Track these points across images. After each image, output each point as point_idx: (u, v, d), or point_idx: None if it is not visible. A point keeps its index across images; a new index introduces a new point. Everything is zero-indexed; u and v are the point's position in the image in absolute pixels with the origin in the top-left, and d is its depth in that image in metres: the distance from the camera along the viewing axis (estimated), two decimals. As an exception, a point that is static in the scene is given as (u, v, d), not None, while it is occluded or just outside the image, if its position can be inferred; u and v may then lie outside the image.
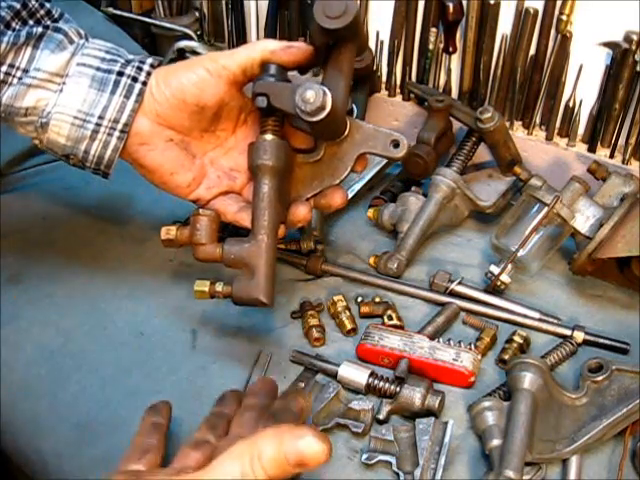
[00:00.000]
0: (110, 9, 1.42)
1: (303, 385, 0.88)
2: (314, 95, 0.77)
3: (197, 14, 1.41)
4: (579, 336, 0.93)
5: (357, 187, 1.15)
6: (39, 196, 1.15)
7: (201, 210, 0.86)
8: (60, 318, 0.97)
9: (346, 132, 0.86)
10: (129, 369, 0.91)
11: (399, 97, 1.23)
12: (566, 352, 0.92)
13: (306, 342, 0.94)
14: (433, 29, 1.13)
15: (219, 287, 0.85)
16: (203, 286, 0.86)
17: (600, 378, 0.84)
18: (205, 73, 0.84)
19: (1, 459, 0.88)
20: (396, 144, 0.86)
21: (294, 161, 0.88)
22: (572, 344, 0.92)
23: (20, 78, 0.83)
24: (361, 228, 1.13)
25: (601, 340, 0.93)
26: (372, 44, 1.19)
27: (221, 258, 0.84)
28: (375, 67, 1.20)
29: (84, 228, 1.10)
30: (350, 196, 1.14)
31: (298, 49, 0.84)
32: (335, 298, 0.97)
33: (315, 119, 0.78)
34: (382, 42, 1.19)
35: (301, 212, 0.88)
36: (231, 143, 0.92)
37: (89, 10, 1.42)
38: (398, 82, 1.22)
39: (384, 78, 1.23)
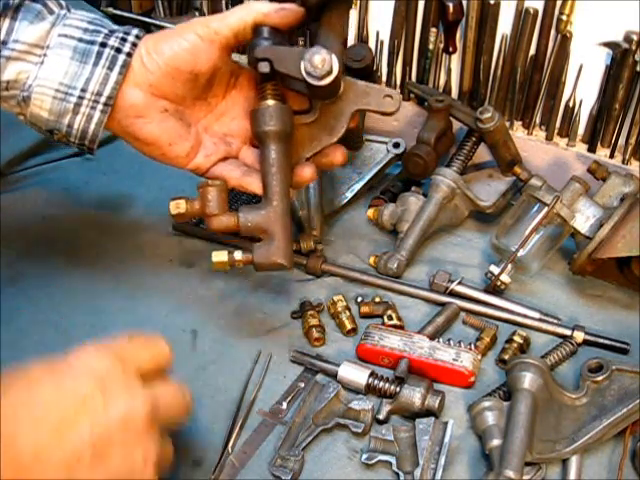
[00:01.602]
0: (110, 9, 1.42)
1: (303, 385, 0.88)
2: (322, 60, 0.78)
3: (197, 14, 1.40)
4: (579, 336, 0.93)
5: (357, 187, 1.15)
6: (39, 196, 1.15)
7: (210, 181, 0.85)
8: (60, 318, 0.97)
9: (340, 91, 0.86)
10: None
11: (399, 97, 1.22)
12: (566, 352, 0.92)
13: (306, 342, 0.94)
14: (433, 29, 1.13)
15: (238, 256, 0.85)
16: (222, 256, 0.86)
17: (600, 378, 0.84)
18: (197, 39, 0.82)
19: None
20: (389, 98, 0.86)
21: (294, 123, 0.88)
22: (572, 344, 0.92)
23: None
24: (361, 228, 1.13)
25: (601, 340, 0.93)
26: (372, 44, 1.19)
27: (237, 226, 0.84)
28: (375, 67, 1.19)
29: (84, 228, 1.10)
30: (350, 196, 1.15)
31: (290, 11, 0.83)
32: (335, 298, 0.97)
33: (323, 83, 0.79)
34: (382, 42, 1.19)
35: (307, 173, 0.88)
36: (222, 109, 0.91)
37: (89, 10, 1.42)
38: (398, 82, 1.21)
39: (384, 78, 1.22)
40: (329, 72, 0.78)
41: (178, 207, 0.85)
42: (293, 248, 0.86)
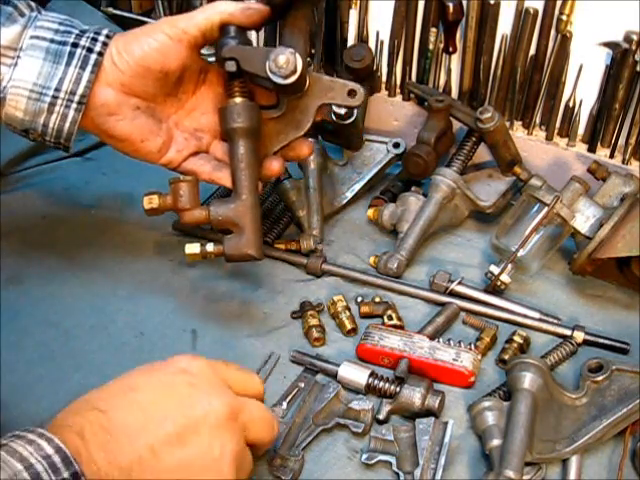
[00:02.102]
0: (110, 9, 1.42)
1: (303, 385, 0.88)
2: (286, 60, 0.81)
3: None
4: (579, 336, 0.93)
5: (357, 187, 1.15)
6: (39, 196, 1.15)
7: (181, 176, 0.88)
8: (60, 318, 0.97)
9: (306, 86, 0.88)
10: (129, 369, 0.90)
11: (399, 97, 1.22)
12: (566, 352, 0.92)
13: (306, 342, 0.94)
14: (433, 29, 1.13)
15: (210, 247, 0.89)
16: (194, 248, 0.89)
17: (600, 378, 0.84)
18: (166, 38, 0.85)
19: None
20: (353, 93, 0.88)
21: (261, 119, 0.90)
22: (572, 344, 0.92)
23: None
24: (361, 228, 1.13)
25: (601, 340, 0.93)
26: (372, 44, 1.19)
27: (208, 220, 0.88)
28: (375, 67, 1.19)
29: (84, 228, 1.10)
30: (350, 196, 1.15)
31: (256, 10, 0.85)
32: (335, 298, 0.97)
33: (288, 82, 0.82)
34: (382, 42, 1.19)
35: (275, 166, 0.91)
36: (192, 104, 0.94)
37: (89, 10, 1.42)
38: (398, 82, 1.21)
39: (384, 78, 1.22)
40: (293, 71, 0.82)
41: (151, 202, 0.88)
42: (263, 239, 0.91)
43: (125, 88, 0.86)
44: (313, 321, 0.94)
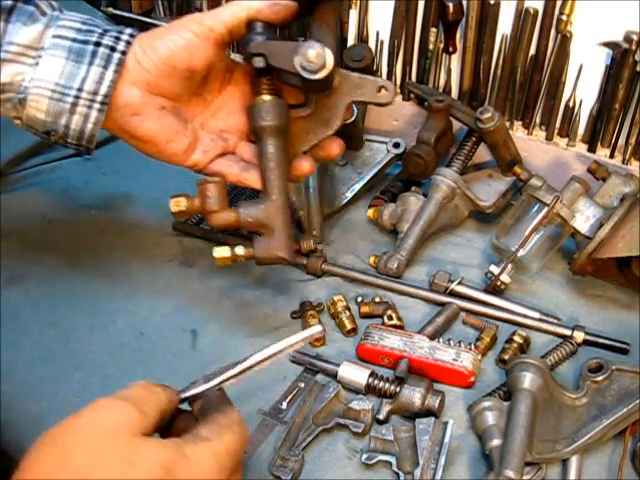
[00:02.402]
0: (110, 9, 1.42)
1: (303, 385, 0.88)
2: (316, 54, 0.78)
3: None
4: (579, 336, 0.93)
5: (357, 187, 1.15)
6: (39, 196, 1.15)
7: (209, 178, 0.85)
8: (60, 318, 0.97)
9: (335, 83, 0.87)
10: (129, 369, 0.91)
11: (399, 97, 1.22)
12: (566, 352, 0.92)
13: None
14: (433, 29, 1.13)
15: (240, 251, 0.86)
16: (224, 252, 0.87)
17: (600, 378, 0.84)
18: (192, 36, 0.83)
19: (2, 458, 0.88)
20: (382, 89, 0.86)
21: (290, 117, 0.88)
22: (572, 344, 0.92)
23: None
24: (361, 228, 1.13)
25: (601, 340, 0.93)
26: (372, 44, 1.19)
27: (238, 222, 0.85)
28: (375, 67, 1.19)
29: (84, 228, 1.10)
30: (350, 196, 1.15)
31: (283, 6, 0.83)
32: (335, 298, 0.97)
33: (317, 77, 0.80)
34: (382, 42, 1.19)
35: (305, 166, 0.89)
36: (218, 104, 0.91)
37: (89, 10, 1.42)
38: (398, 82, 1.21)
39: (384, 78, 1.22)
40: (323, 66, 0.79)
41: (178, 205, 0.85)
42: (293, 243, 0.87)
43: (151, 87, 0.84)
44: (313, 321, 0.94)
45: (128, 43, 0.83)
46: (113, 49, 0.82)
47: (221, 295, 1.01)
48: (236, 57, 0.93)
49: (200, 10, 1.37)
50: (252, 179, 0.88)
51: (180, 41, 0.83)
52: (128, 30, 0.84)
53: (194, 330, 0.96)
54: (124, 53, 0.82)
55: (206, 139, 0.90)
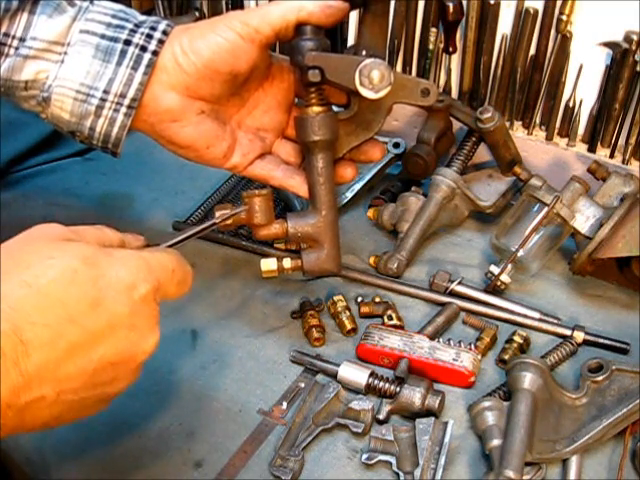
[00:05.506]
0: (110, 9, 1.42)
1: (303, 385, 0.88)
2: (380, 76, 0.76)
3: (197, 14, 1.40)
4: (579, 336, 0.93)
5: (357, 187, 1.15)
6: (39, 196, 1.15)
7: (256, 191, 0.84)
8: (60, 318, 0.96)
9: None
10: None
11: (399, 97, 1.22)
12: (566, 352, 0.92)
13: (306, 342, 0.94)
14: (433, 29, 1.13)
15: (287, 264, 0.87)
16: (271, 264, 0.87)
17: (600, 378, 0.84)
18: (237, 38, 0.77)
19: (2, 458, 0.88)
20: (426, 92, 0.82)
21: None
22: (572, 344, 0.92)
23: (17, 48, 0.76)
24: (361, 228, 1.13)
25: (601, 340, 0.93)
26: (372, 44, 1.19)
27: (286, 235, 0.85)
28: (375, 67, 1.19)
29: (84, 228, 1.10)
30: (350, 196, 1.15)
31: (337, 9, 0.78)
32: (335, 298, 0.97)
33: (379, 95, 0.77)
34: (382, 42, 1.19)
35: (349, 173, 0.88)
36: (254, 102, 0.88)
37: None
38: (398, 82, 1.21)
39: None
40: (387, 85, 0.77)
41: (222, 216, 0.81)
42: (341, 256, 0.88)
43: (190, 91, 0.79)
44: (313, 321, 0.94)
45: (160, 42, 0.78)
46: (144, 49, 0.77)
47: (221, 295, 1.01)
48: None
49: (200, 10, 1.37)
50: (297, 186, 0.87)
51: (224, 44, 0.78)
52: (161, 26, 0.79)
53: (194, 330, 0.96)
54: (156, 53, 0.78)
55: (244, 140, 0.87)
